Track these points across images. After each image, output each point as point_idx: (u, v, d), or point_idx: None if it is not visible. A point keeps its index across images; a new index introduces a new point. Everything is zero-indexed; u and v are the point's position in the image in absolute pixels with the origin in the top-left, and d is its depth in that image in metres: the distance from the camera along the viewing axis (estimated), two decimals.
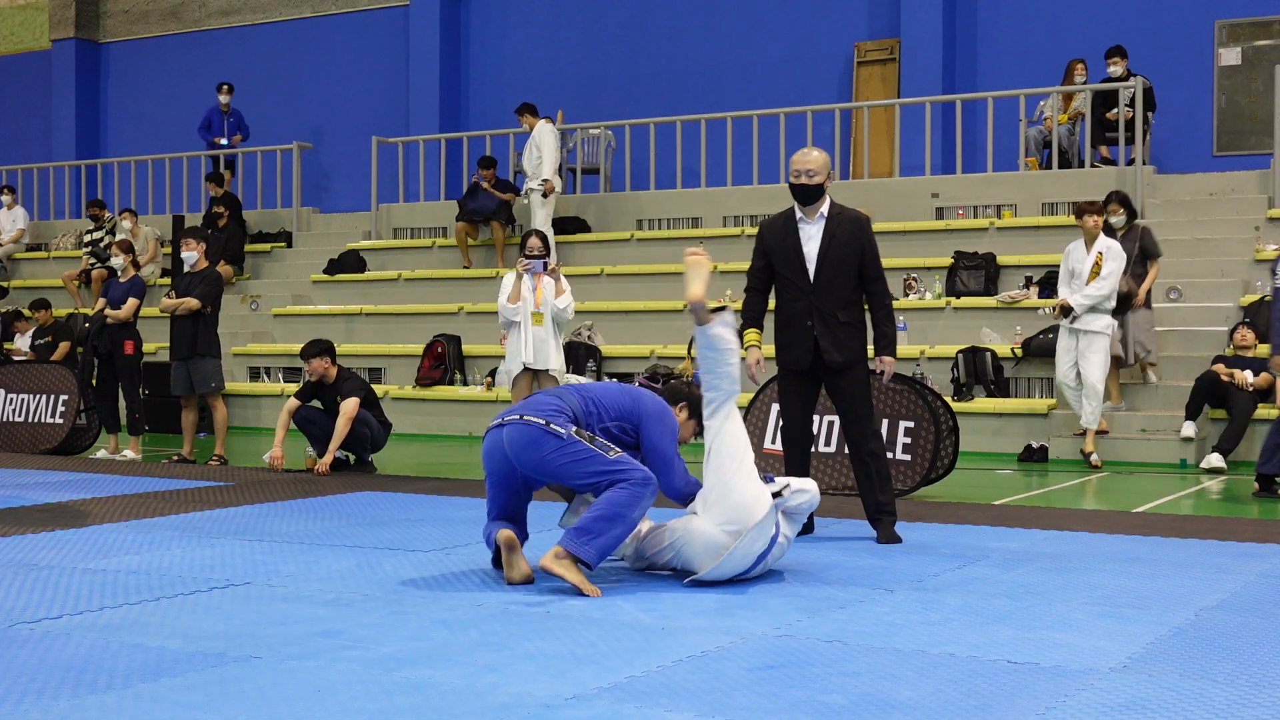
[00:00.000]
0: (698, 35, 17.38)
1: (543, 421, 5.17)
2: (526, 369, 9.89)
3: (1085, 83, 13.94)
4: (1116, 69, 13.75)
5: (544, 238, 10.26)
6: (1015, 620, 4.60)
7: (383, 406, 10.84)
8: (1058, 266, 10.60)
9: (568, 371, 12.63)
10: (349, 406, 9.42)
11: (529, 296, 9.89)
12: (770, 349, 6.82)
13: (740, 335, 6.19)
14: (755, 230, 14.62)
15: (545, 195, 14.91)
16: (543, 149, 14.83)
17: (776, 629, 4.44)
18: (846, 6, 16.53)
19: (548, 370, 9.93)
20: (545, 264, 10.00)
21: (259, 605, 4.81)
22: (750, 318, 6.58)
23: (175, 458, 10.61)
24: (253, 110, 19.18)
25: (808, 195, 6.41)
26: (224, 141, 17.97)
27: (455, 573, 5.45)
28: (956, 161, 14.53)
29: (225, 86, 18.11)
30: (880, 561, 5.82)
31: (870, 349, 6.57)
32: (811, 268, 6.39)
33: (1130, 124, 13.45)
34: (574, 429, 5.19)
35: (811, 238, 6.43)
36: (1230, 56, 14.79)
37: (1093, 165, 13.92)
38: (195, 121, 20.77)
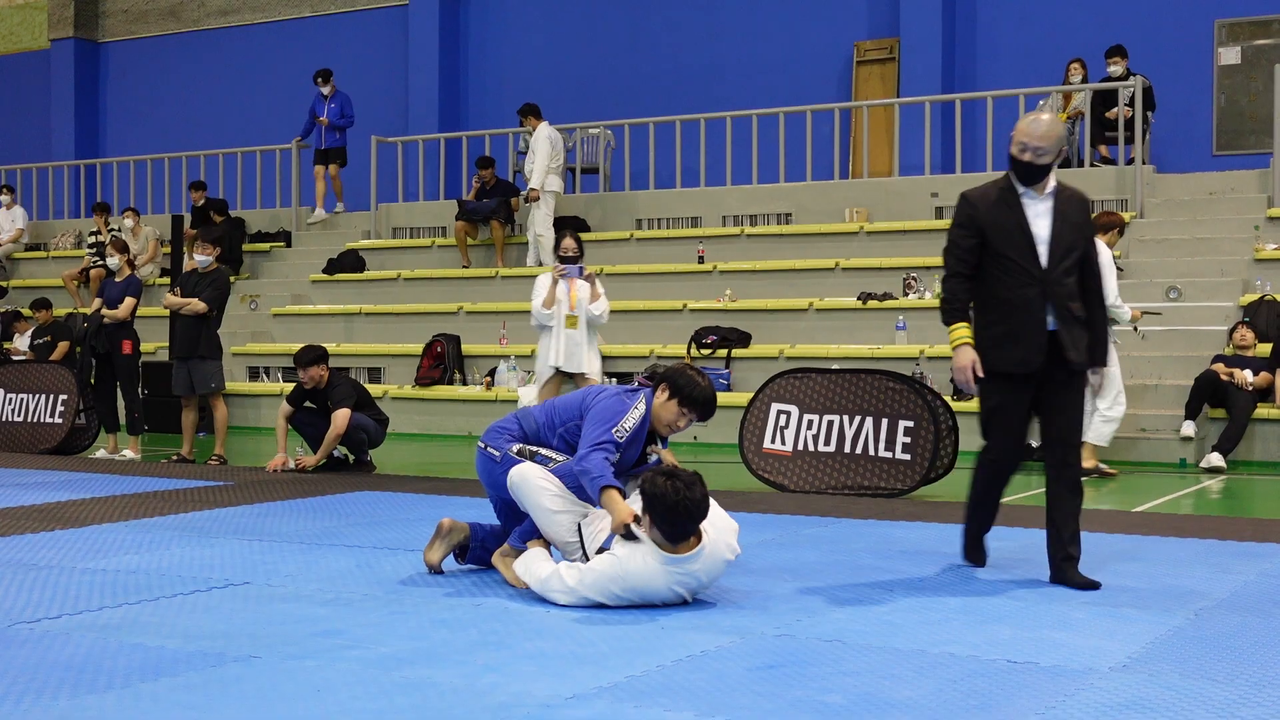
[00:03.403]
0: (697, 35, 17.38)
1: (482, 445, 5.41)
2: (558, 371, 9.67)
3: (1082, 82, 13.94)
4: (1116, 68, 13.75)
5: (579, 238, 9.94)
6: (1015, 620, 4.60)
7: (381, 406, 10.83)
8: None
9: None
10: (339, 421, 9.33)
11: (563, 299, 9.59)
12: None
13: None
14: (755, 230, 14.76)
15: (527, 202, 14.88)
16: (536, 154, 14.81)
17: (776, 629, 4.43)
18: (846, 6, 16.53)
19: (583, 374, 9.72)
20: (581, 268, 9.72)
21: (258, 605, 4.81)
22: (960, 309, 5.49)
23: (175, 457, 10.60)
24: (251, 110, 19.18)
25: (1035, 175, 5.35)
26: (326, 122, 17.23)
27: (455, 573, 5.45)
28: (956, 161, 14.53)
29: (320, 77, 17.13)
30: (880, 562, 5.82)
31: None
32: (1044, 250, 5.33)
33: (1130, 123, 13.45)
34: (515, 448, 5.29)
35: (1040, 215, 5.38)
36: (1230, 56, 14.79)
37: (1092, 165, 13.92)
38: (194, 120, 20.77)
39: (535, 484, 5.08)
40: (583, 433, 5.17)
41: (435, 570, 5.45)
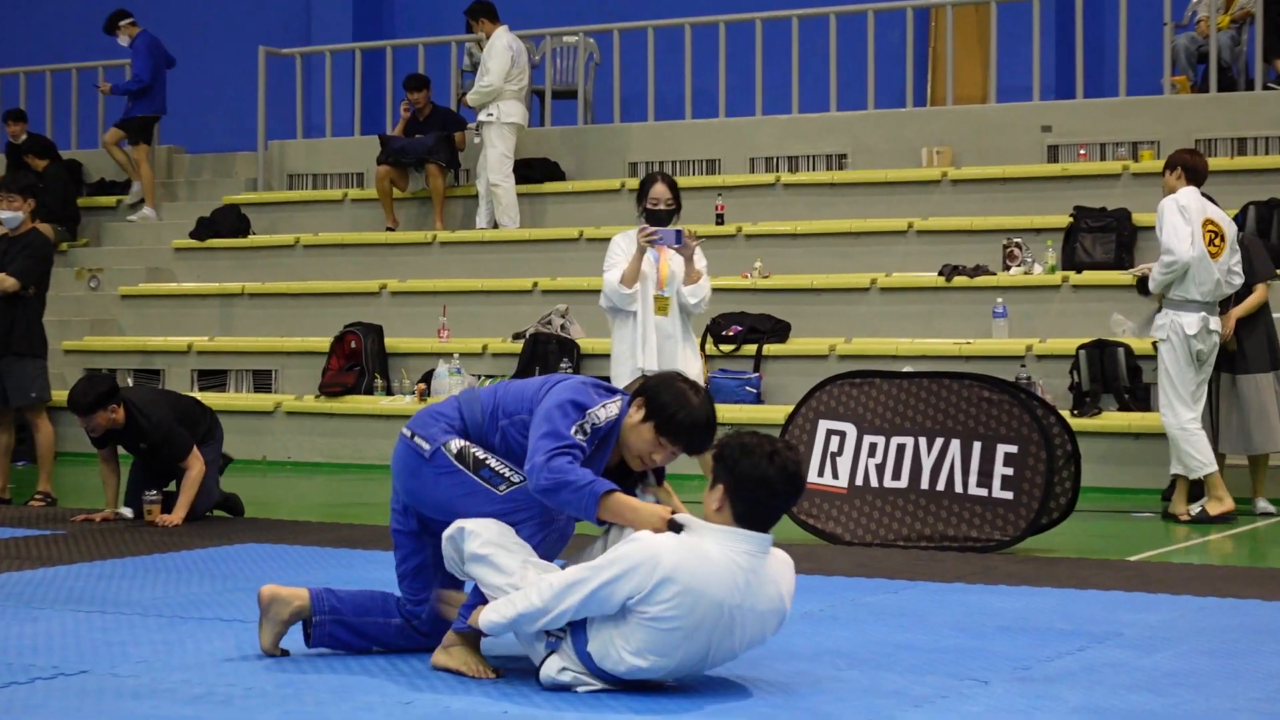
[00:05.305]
0: None
1: (408, 433, 5.31)
2: (644, 375, 9.29)
3: None
4: None
5: (674, 185, 9.50)
6: None
7: (273, 425, 10.75)
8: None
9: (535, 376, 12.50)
10: (194, 469, 9.16)
11: (650, 273, 9.20)
12: None
13: None
14: (796, 178, 14.71)
15: (477, 137, 14.92)
16: (490, 72, 14.79)
17: None
18: None
19: None
20: (680, 232, 9.36)
21: (100, 703, 4.78)
22: None
23: None
24: (96, 13, 19.09)
25: None
26: (109, 88, 16.87)
27: (375, 657, 5.43)
28: (1076, 82, 14.53)
29: (114, 21, 16.80)
30: (972, 641, 5.81)
31: None
32: None
33: None
34: (455, 445, 5.18)
35: None
36: None
37: (1266, 86, 13.93)
38: (10, 27, 20.71)
39: (470, 553, 4.97)
40: (531, 430, 5.04)
41: (273, 655, 5.39)
